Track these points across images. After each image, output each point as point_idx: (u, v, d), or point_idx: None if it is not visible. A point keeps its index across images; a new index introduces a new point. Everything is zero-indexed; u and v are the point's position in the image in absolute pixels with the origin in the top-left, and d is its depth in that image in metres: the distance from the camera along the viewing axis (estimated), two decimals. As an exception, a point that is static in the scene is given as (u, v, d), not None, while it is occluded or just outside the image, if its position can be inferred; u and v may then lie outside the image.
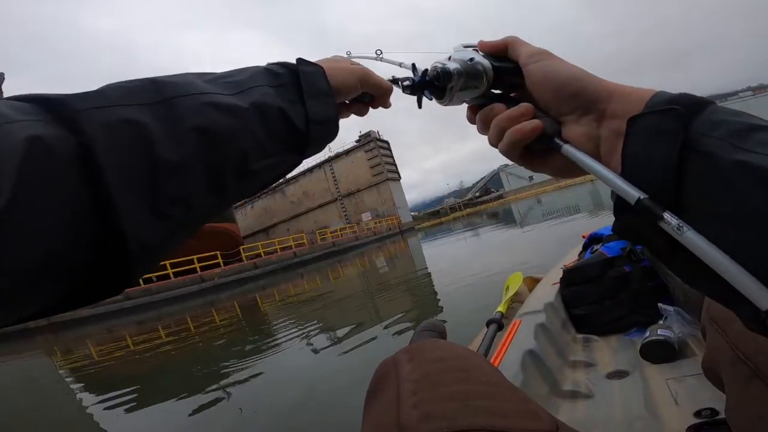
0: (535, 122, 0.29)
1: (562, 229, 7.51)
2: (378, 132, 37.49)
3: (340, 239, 24.50)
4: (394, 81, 0.39)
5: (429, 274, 6.11)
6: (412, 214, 43.03)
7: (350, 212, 36.93)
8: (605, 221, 6.50)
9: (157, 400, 2.88)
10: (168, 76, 0.26)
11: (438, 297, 4.39)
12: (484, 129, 0.33)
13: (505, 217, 18.24)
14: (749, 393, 0.43)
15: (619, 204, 0.23)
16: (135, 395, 3.14)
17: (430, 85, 0.34)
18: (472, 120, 0.35)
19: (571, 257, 1.86)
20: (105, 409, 3.08)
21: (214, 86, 0.27)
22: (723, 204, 0.19)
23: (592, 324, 1.34)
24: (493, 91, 0.34)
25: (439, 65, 0.33)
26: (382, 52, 0.49)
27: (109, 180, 0.20)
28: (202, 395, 2.80)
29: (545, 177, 64.28)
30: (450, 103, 0.35)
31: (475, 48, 0.34)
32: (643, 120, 0.23)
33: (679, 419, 0.74)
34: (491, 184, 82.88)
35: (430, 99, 0.36)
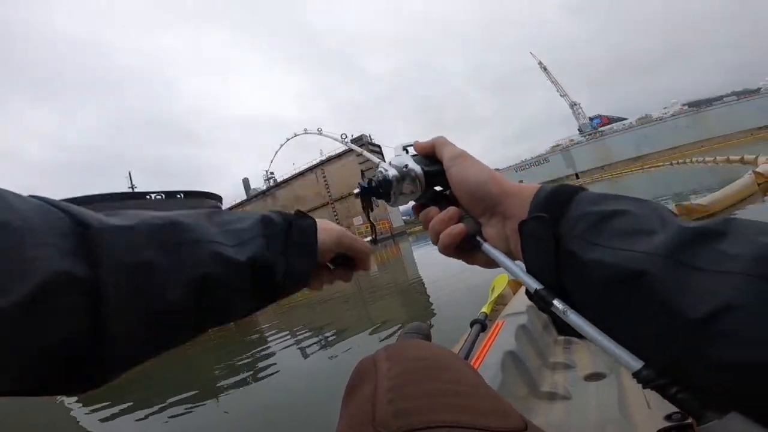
0: (460, 226, 0.33)
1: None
2: (369, 136, 37.51)
3: (332, 243, 24.31)
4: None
5: (419, 277, 6.11)
6: (404, 218, 43.02)
7: (342, 216, 36.82)
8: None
9: (145, 405, 2.84)
10: (185, 215, 0.30)
11: (427, 299, 4.39)
12: (425, 228, 0.37)
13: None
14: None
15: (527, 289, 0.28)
16: (121, 399, 3.08)
17: (376, 191, 0.38)
18: (418, 217, 0.38)
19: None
20: (89, 413, 3.02)
21: (220, 234, 0.31)
22: (590, 294, 0.24)
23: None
24: (433, 187, 0.37)
25: (381, 174, 0.37)
26: (319, 129, 0.49)
27: (109, 316, 0.22)
28: (191, 400, 2.76)
29: (536, 178, 64.92)
30: (396, 204, 0.38)
31: (411, 148, 0.38)
32: (527, 226, 0.28)
33: (650, 422, 0.75)
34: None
35: (377, 203, 0.40)
